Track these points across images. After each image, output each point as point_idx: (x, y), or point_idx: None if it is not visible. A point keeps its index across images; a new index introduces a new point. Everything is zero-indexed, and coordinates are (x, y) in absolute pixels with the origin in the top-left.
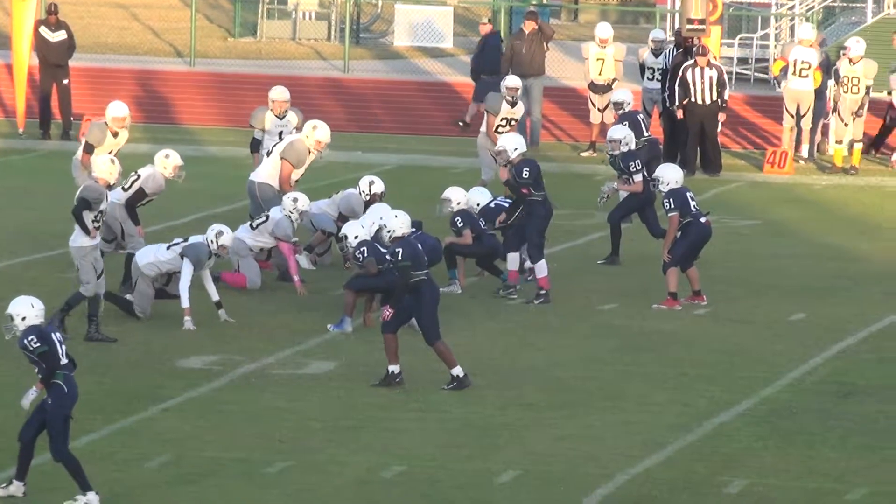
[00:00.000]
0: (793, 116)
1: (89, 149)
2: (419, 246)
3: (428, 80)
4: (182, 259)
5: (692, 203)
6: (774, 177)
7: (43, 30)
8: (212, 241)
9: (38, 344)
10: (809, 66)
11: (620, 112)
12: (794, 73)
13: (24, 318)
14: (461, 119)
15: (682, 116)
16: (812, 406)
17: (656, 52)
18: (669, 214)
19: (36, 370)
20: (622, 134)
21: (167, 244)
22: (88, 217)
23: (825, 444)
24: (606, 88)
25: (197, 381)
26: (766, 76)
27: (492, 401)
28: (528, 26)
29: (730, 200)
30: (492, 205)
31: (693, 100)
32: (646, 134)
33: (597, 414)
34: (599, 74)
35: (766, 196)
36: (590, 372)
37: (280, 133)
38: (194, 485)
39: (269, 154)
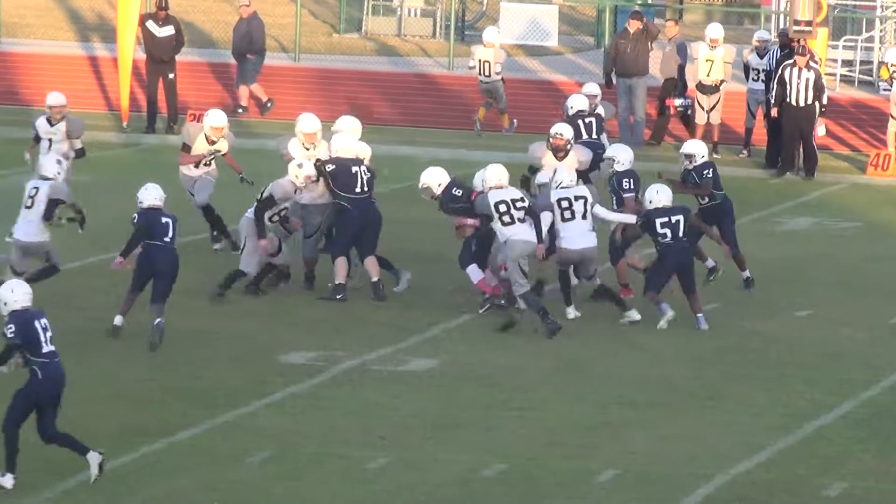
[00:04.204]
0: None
1: (186, 149)
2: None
3: (532, 77)
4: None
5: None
6: (877, 179)
7: (150, 24)
8: (296, 176)
9: (12, 336)
10: None
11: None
12: (887, 76)
13: (5, 304)
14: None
15: (776, 114)
16: None
17: (761, 54)
18: (625, 196)
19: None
20: (693, 149)
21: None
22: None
23: None
24: (714, 89)
25: (298, 376)
26: (870, 78)
27: (593, 399)
28: (633, 26)
29: (832, 202)
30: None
31: (788, 100)
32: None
33: (697, 414)
34: (708, 75)
35: (868, 198)
36: (691, 372)
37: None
38: (295, 480)
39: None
